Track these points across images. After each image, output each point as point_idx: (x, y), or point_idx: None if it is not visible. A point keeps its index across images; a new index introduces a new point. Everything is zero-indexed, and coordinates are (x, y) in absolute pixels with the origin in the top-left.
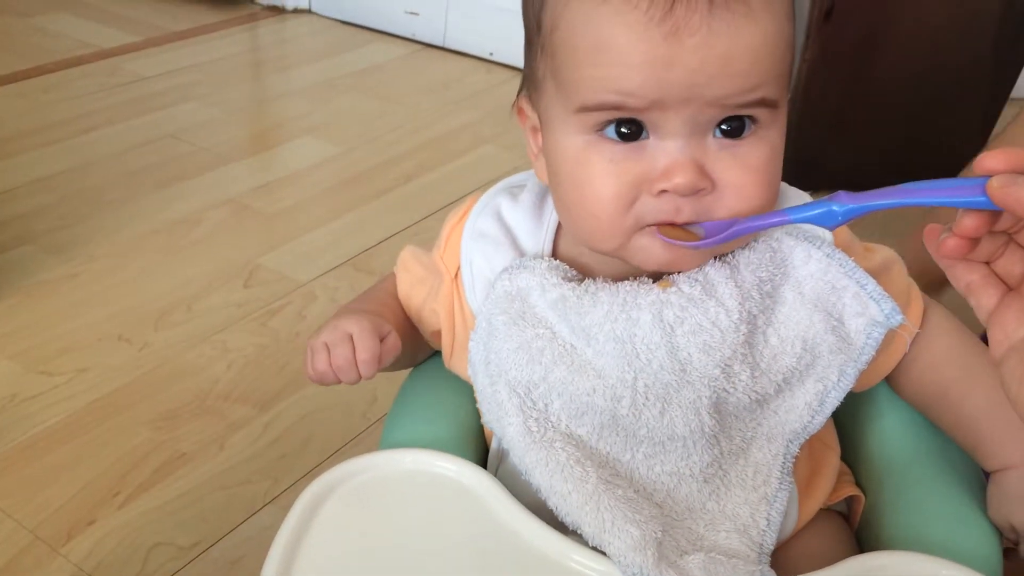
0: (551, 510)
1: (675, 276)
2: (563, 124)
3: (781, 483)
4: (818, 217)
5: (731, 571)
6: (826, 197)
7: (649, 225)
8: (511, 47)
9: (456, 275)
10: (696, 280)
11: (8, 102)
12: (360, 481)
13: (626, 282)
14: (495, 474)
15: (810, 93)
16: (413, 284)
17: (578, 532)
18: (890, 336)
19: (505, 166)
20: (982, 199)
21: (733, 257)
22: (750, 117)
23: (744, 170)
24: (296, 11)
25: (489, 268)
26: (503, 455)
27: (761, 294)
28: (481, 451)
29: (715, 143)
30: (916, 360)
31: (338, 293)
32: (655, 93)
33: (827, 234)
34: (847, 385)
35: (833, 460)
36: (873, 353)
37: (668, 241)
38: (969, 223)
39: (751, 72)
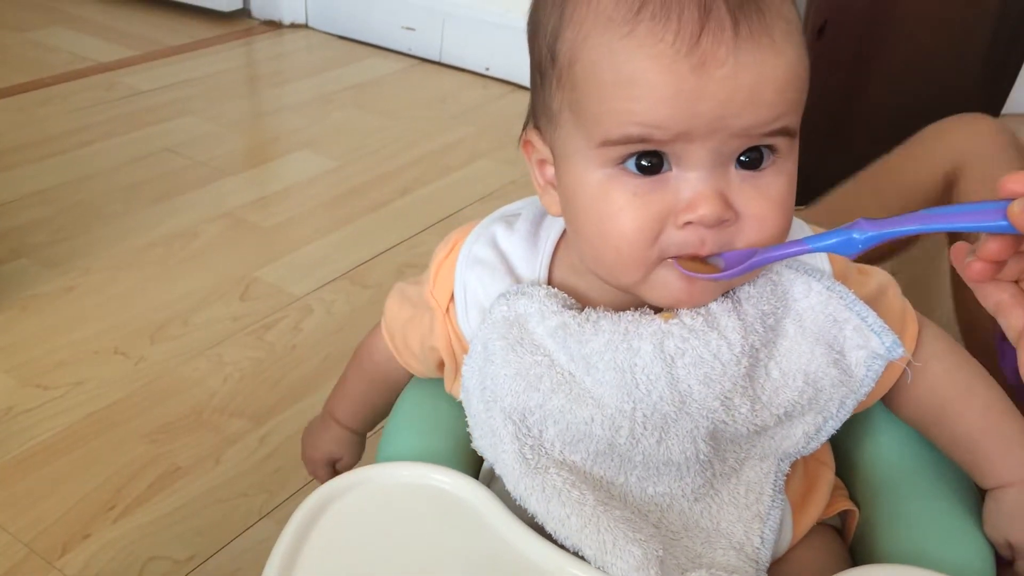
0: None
1: (680, 310)
2: (583, 158)
3: (774, 500)
4: (838, 245)
5: None
6: (845, 225)
7: (671, 258)
8: (507, 62)
9: (448, 306)
10: (698, 312)
11: (5, 116)
12: (357, 494)
13: (628, 312)
14: (490, 486)
15: (807, 107)
16: (405, 327)
17: (579, 554)
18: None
19: (501, 180)
20: (1004, 223)
21: (734, 292)
22: (769, 147)
23: (765, 201)
24: (293, 26)
25: (484, 294)
26: (495, 475)
27: (764, 327)
28: (477, 464)
29: (737, 175)
30: (913, 384)
31: (334, 306)
32: (683, 125)
33: (826, 266)
34: (845, 415)
35: (828, 476)
36: (873, 385)
37: (689, 274)
38: (993, 247)
39: (777, 102)
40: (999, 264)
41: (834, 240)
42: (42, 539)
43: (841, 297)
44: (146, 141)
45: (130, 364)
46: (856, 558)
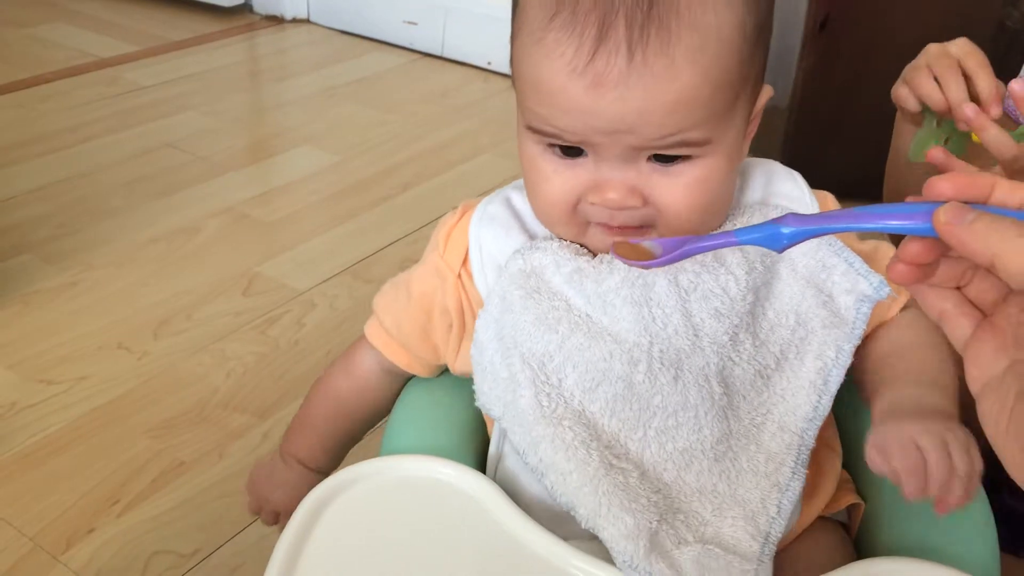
0: (548, 513)
1: None
2: (522, 132)
3: (794, 472)
4: (764, 240)
5: (724, 568)
6: (774, 219)
7: (597, 223)
8: (509, 56)
9: (464, 264)
10: None
11: (6, 112)
12: (361, 488)
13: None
14: (494, 477)
15: (806, 100)
16: (400, 315)
17: (572, 513)
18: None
19: (503, 174)
20: (930, 227)
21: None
22: (678, 155)
23: (675, 189)
24: (295, 21)
25: (499, 251)
26: (500, 457)
27: (763, 267)
28: (480, 457)
29: (648, 166)
30: (881, 337)
31: (337, 301)
32: (582, 135)
33: (813, 207)
34: (845, 361)
35: (836, 463)
36: (864, 327)
37: (625, 261)
38: (914, 249)
39: (667, 123)
40: (925, 267)
41: (759, 234)
42: (47, 533)
43: (830, 244)
44: (148, 137)
45: (133, 359)
46: (860, 550)
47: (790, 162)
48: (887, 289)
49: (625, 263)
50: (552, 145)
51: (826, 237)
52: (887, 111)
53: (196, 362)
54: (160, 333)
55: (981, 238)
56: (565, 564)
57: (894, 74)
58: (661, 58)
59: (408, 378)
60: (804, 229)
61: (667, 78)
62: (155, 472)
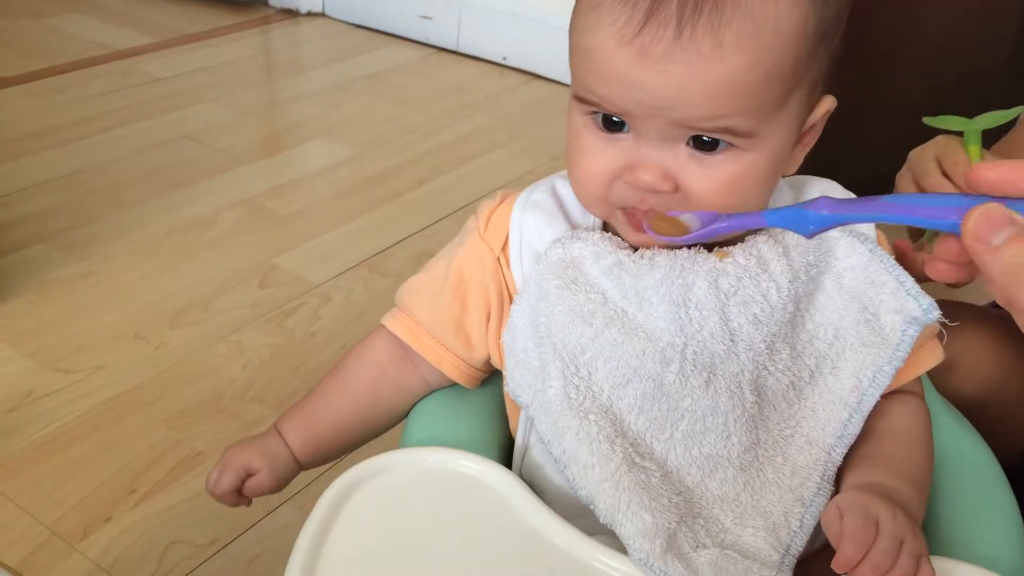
0: (571, 506)
1: (731, 248)
2: (572, 102)
3: (820, 488)
4: (793, 223)
5: (743, 573)
6: (804, 202)
7: (623, 209)
8: (524, 52)
9: (504, 248)
10: (751, 254)
11: (23, 102)
12: (384, 479)
13: (683, 250)
14: (520, 468)
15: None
16: (435, 299)
17: (591, 507)
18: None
19: (518, 170)
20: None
21: (784, 237)
22: (722, 139)
23: (709, 181)
24: (310, 14)
25: (539, 238)
26: (527, 448)
27: (807, 277)
28: (504, 451)
29: (686, 151)
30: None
31: (353, 294)
32: (624, 105)
33: (871, 232)
34: (883, 382)
35: None
36: (908, 350)
37: (656, 236)
38: (955, 247)
39: (707, 105)
40: (964, 266)
41: (789, 216)
42: (64, 522)
43: (882, 261)
44: (164, 128)
45: (150, 349)
46: None
47: (811, 162)
48: (937, 312)
49: (657, 238)
50: (595, 115)
51: (878, 252)
52: (907, 112)
53: (212, 353)
54: (176, 324)
55: (1002, 272)
56: (588, 558)
57: (915, 74)
58: (709, 38)
59: (419, 392)
60: (833, 215)
61: (713, 59)
62: (172, 462)
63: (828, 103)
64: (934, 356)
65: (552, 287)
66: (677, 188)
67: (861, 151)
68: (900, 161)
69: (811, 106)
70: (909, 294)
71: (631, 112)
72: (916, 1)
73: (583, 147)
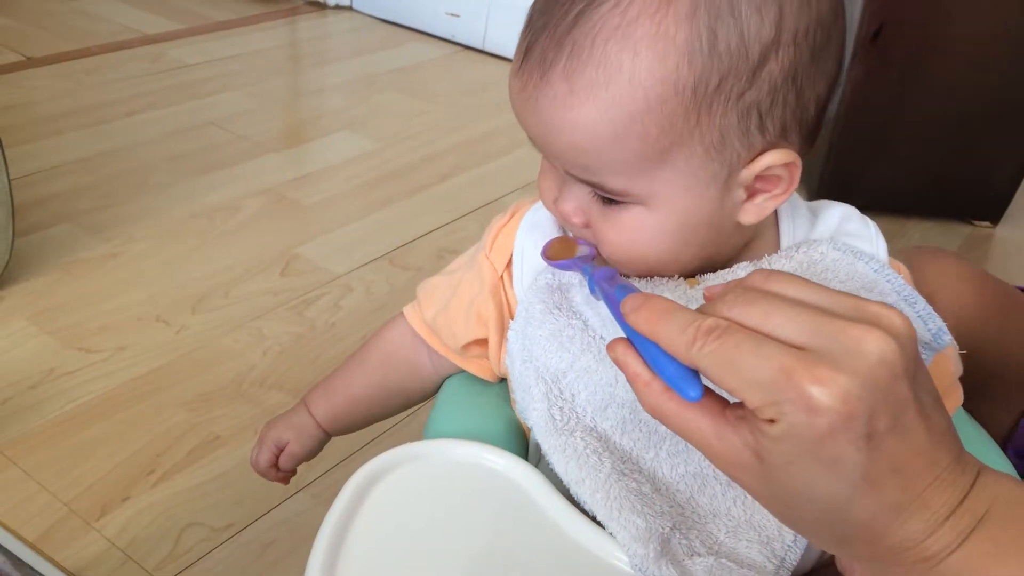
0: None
1: (705, 275)
2: None
3: None
4: (592, 279)
5: None
6: (596, 266)
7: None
8: None
9: (508, 267)
10: (725, 280)
11: (52, 82)
12: (407, 469)
13: (659, 278)
14: (537, 466)
15: (852, 112)
16: (449, 303)
17: (595, 517)
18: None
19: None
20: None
21: (769, 263)
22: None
23: (610, 232)
24: (337, 7)
25: (538, 259)
26: (541, 457)
27: None
28: (526, 446)
29: (591, 197)
30: None
31: (374, 286)
32: (525, 131)
33: (882, 252)
34: None
35: None
36: None
37: (546, 261)
38: None
39: (569, 153)
40: None
41: (591, 274)
42: (82, 500)
43: (888, 281)
44: (190, 114)
45: (171, 332)
46: None
47: (832, 176)
48: (948, 338)
49: (546, 262)
50: None
51: (884, 271)
52: (937, 125)
53: (233, 339)
54: (198, 308)
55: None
56: (609, 556)
57: (946, 87)
58: (563, 83)
59: (428, 375)
60: (597, 288)
61: (566, 105)
62: (191, 444)
63: (781, 156)
64: (953, 397)
65: (536, 311)
66: (588, 225)
67: (884, 167)
68: (928, 175)
69: (737, 162)
70: (919, 316)
71: (532, 140)
72: (948, 18)
73: (542, 168)
